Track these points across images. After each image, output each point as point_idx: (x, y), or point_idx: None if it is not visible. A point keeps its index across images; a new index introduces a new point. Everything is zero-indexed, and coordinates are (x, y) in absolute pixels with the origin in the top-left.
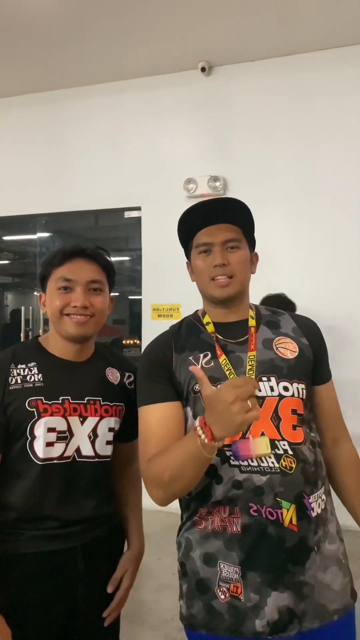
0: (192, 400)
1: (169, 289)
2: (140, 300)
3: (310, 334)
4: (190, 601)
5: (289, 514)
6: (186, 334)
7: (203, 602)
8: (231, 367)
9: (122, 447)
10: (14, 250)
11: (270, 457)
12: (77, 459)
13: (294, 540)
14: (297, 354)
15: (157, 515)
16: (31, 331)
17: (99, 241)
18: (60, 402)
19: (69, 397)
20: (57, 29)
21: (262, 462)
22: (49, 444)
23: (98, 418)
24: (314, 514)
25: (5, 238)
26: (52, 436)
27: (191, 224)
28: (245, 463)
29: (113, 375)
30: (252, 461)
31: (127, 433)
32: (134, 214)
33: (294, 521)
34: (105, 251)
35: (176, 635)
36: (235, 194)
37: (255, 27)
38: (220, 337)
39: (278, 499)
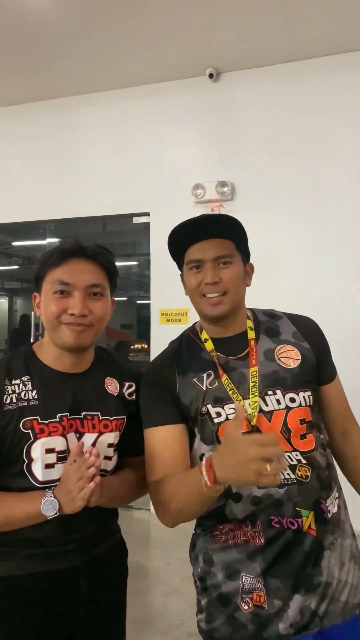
0: (200, 422)
1: (178, 294)
2: (148, 304)
3: (311, 337)
4: (210, 615)
5: (308, 520)
6: (187, 353)
7: (225, 615)
8: (234, 387)
9: (129, 461)
10: (23, 255)
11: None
12: None
13: (312, 543)
14: (299, 361)
15: None
16: (40, 336)
17: (107, 246)
18: (57, 420)
19: (67, 414)
20: (64, 36)
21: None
22: (49, 466)
23: (96, 434)
24: (329, 515)
25: (15, 244)
26: (52, 457)
27: (182, 240)
28: None
29: (112, 385)
30: None
31: (132, 447)
32: (142, 219)
33: (313, 526)
34: (107, 250)
35: None
36: (243, 199)
37: (262, 33)
38: (221, 355)
39: (297, 508)
